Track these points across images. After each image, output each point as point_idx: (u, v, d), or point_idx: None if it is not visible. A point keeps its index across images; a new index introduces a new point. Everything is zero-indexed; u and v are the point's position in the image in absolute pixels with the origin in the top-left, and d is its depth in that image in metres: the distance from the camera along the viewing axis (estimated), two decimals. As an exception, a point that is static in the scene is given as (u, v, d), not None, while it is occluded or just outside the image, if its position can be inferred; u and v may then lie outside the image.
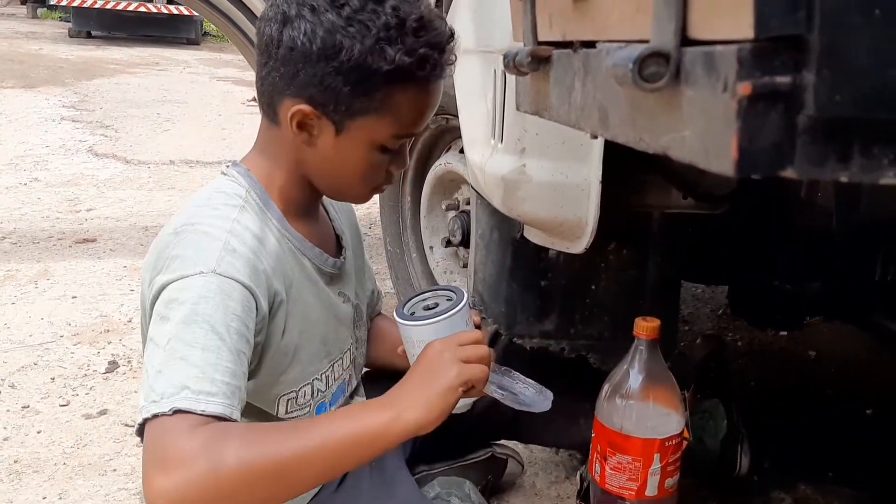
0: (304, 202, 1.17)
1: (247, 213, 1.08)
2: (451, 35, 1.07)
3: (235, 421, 0.93)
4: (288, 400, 1.16)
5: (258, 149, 1.16)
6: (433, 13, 1.04)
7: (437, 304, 1.13)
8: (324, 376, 1.21)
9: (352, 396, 1.33)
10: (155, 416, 0.89)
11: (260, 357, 1.09)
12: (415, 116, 1.08)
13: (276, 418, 1.16)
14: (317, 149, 1.09)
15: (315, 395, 1.20)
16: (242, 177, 1.12)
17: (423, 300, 1.16)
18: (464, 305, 1.10)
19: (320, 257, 1.18)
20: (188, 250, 1.00)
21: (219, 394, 0.92)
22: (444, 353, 1.02)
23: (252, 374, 1.06)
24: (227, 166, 1.15)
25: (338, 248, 1.27)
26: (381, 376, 1.43)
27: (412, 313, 1.13)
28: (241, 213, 1.07)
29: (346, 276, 1.27)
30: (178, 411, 0.89)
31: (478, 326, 1.15)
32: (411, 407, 0.97)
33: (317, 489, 1.26)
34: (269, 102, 1.08)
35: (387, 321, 1.44)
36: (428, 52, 1.01)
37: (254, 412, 1.14)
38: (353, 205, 1.38)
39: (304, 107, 1.03)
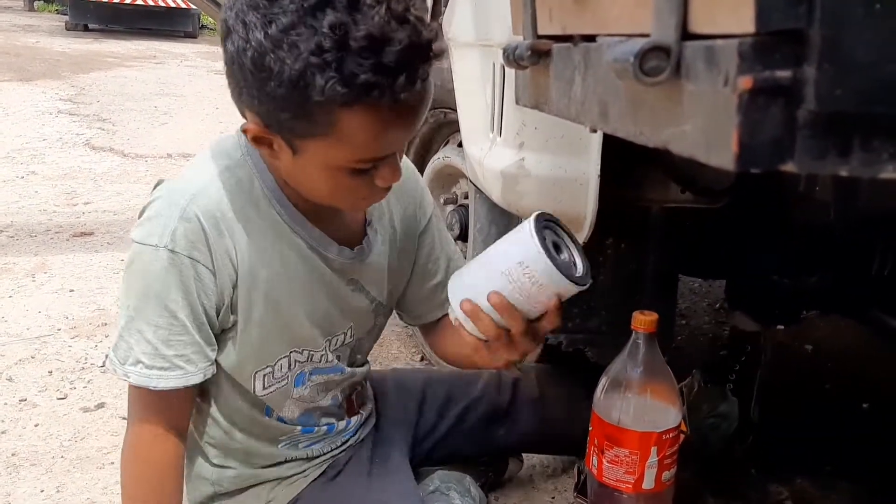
0: None
1: (229, 175, 1.06)
2: (426, 45, 0.89)
3: (195, 385, 1.08)
4: (264, 375, 1.17)
5: None
6: (398, 21, 0.86)
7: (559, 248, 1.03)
8: (306, 351, 1.19)
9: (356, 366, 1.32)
10: (114, 374, 1.06)
11: (233, 325, 1.10)
12: (373, 141, 0.93)
13: (253, 395, 1.17)
14: (283, 164, 1.01)
15: (293, 366, 1.19)
16: (245, 140, 1.06)
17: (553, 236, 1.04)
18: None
19: (320, 240, 1.13)
20: (156, 211, 1.04)
21: (171, 367, 1.05)
22: None
23: (228, 346, 1.12)
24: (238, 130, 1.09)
25: (361, 234, 1.20)
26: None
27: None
28: (223, 173, 1.06)
29: (363, 268, 1.20)
30: (135, 385, 1.06)
31: None
32: None
33: (316, 474, 1.28)
34: (237, 103, 1.00)
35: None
36: (373, 79, 0.85)
37: (235, 390, 1.17)
38: (428, 202, 1.33)
39: (253, 126, 0.96)
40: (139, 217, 1.07)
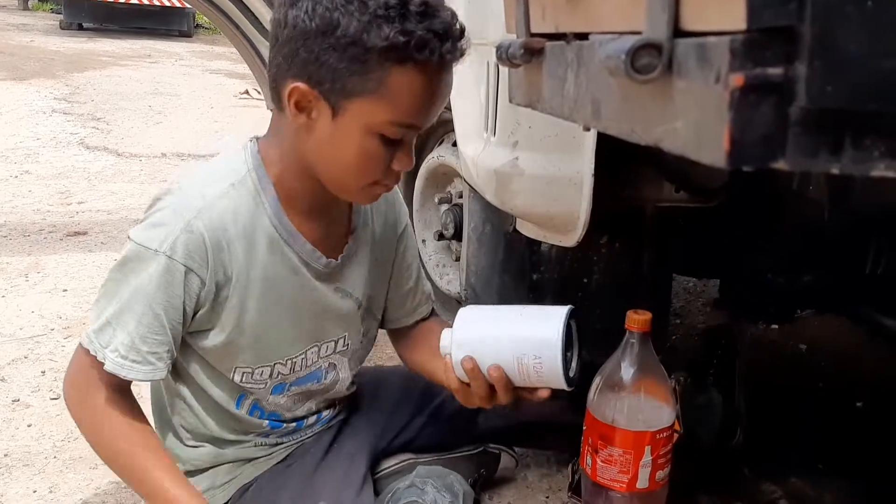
0: (307, 195, 1.17)
1: (234, 192, 1.13)
2: (462, 31, 1.04)
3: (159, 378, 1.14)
4: (244, 372, 1.22)
5: (270, 132, 1.18)
6: (442, 4, 1.02)
7: None
8: (289, 361, 1.25)
9: (343, 384, 1.37)
10: (91, 352, 1.11)
11: (218, 329, 1.17)
12: (414, 104, 1.04)
13: (231, 382, 1.23)
14: (315, 133, 1.08)
15: (275, 376, 1.25)
16: (251, 156, 1.16)
17: None
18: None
19: (310, 254, 1.20)
20: (158, 215, 1.11)
21: (143, 362, 1.11)
22: None
23: (211, 343, 1.18)
24: (250, 139, 1.19)
25: (343, 244, 1.27)
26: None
27: None
28: (229, 189, 1.13)
29: (346, 273, 1.27)
30: (108, 371, 1.11)
31: None
32: None
33: (280, 458, 1.33)
34: (274, 87, 1.09)
35: (429, 327, 1.44)
36: (427, 36, 0.98)
37: (212, 378, 1.23)
38: (404, 212, 1.40)
39: (302, 85, 1.03)
40: (143, 219, 1.13)
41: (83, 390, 1.16)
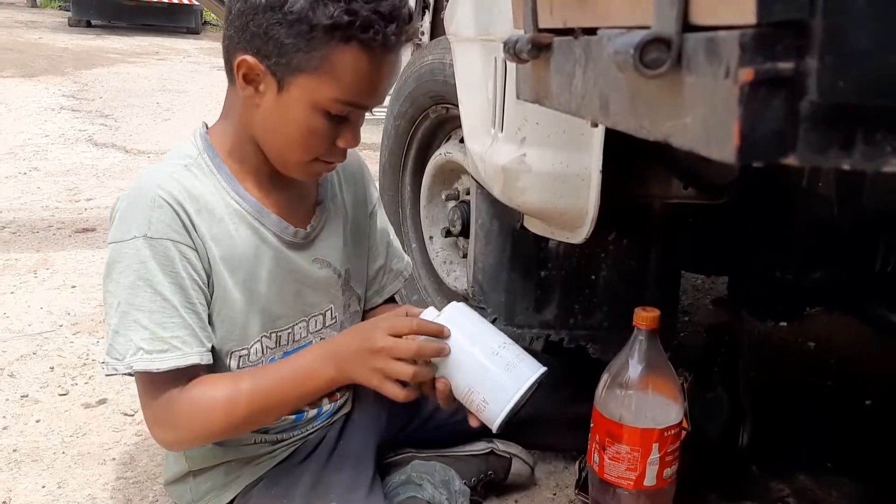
0: (260, 167, 1.20)
1: (189, 172, 1.15)
2: (407, 13, 1.07)
3: (192, 365, 1.11)
4: (240, 356, 1.22)
5: (222, 113, 1.21)
6: None
7: None
8: (274, 335, 1.25)
9: None
10: (116, 372, 1.10)
11: (212, 302, 1.17)
12: (358, 83, 1.07)
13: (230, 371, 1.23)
14: (262, 106, 1.11)
15: (265, 352, 1.25)
16: (200, 139, 1.19)
17: None
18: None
19: (278, 224, 1.21)
20: (123, 211, 1.12)
21: (169, 349, 1.09)
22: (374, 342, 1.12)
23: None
24: (200, 126, 1.22)
25: (310, 216, 1.29)
26: None
27: None
28: (182, 171, 1.15)
29: (320, 243, 1.29)
30: (139, 372, 1.10)
31: None
32: (353, 375, 1.15)
33: (283, 456, 1.32)
34: (227, 60, 1.12)
35: (389, 308, 1.44)
36: (372, 17, 1.02)
37: (212, 366, 1.21)
38: (374, 189, 1.44)
39: (250, 58, 1.06)
40: (111, 224, 1.15)
41: (159, 412, 1.14)
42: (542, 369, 1.15)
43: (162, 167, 1.16)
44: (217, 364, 1.20)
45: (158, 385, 1.12)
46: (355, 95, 1.08)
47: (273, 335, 1.25)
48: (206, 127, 1.23)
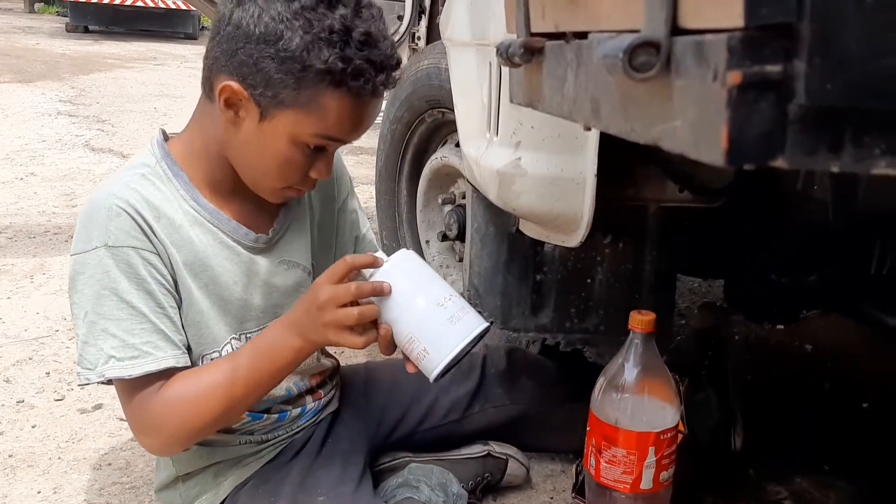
0: (224, 178, 1.20)
1: (146, 181, 1.15)
2: (396, 61, 1.10)
3: (167, 369, 1.11)
4: (211, 358, 1.22)
5: (191, 122, 1.22)
6: (384, 37, 1.08)
7: None
8: (244, 336, 1.25)
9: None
10: (89, 382, 1.10)
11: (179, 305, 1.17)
12: (342, 123, 1.09)
13: None
14: (240, 131, 1.11)
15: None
16: (158, 147, 1.19)
17: None
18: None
19: (236, 231, 1.22)
20: (83, 222, 1.12)
21: (141, 355, 1.09)
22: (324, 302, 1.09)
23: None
24: (158, 134, 1.23)
25: (272, 220, 1.29)
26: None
27: None
28: (140, 179, 1.15)
29: (285, 245, 1.29)
30: (115, 380, 1.11)
31: None
32: (313, 337, 1.12)
33: (270, 456, 1.32)
34: (207, 76, 1.14)
35: None
36: (364, 66, 1.04)
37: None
38: (345, 183, 1.44)
39: (234, 84, 1.07)
40: (74, 239, 1.14)
41: (139, 418, 1.15)
42: (486, 324, 1.14)
43: (118, 177, 1.16)
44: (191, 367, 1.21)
45: (136, 392, 1.12)
46: (336, 132, 1.10)
47: (243, 336, 1.25)
48: (164, 135, 1.23)
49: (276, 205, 1.28)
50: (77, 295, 1.11)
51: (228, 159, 1.17)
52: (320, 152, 1.14)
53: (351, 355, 2.03)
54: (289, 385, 1.33)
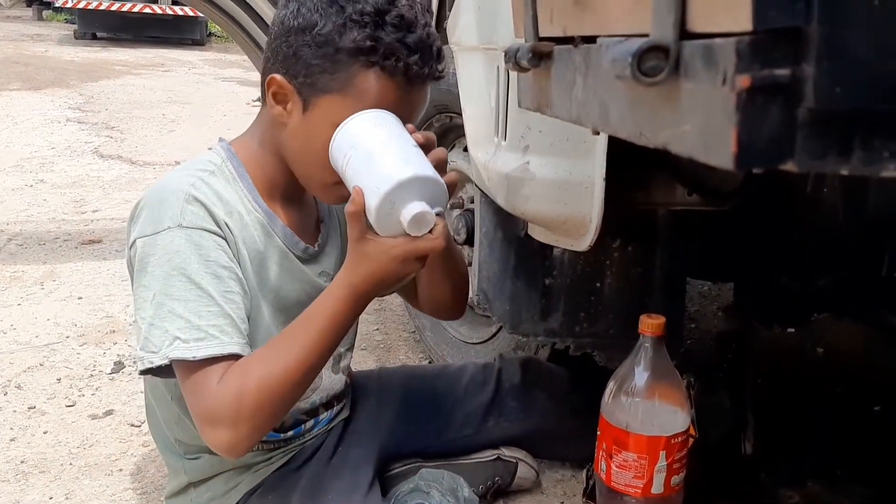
0: (282, 184, 1.21)
1: (215, 178, 1.15)
2: (435, 48, 1.10)
3: (232, 354, 1.06)
4: None
5: (250, 129, 1.23)
6: (421, 21, 1.08)
7: None
8: None
9: (334, 371, 1.38)
10: (152, 365, 1.06)
11: None
12: (381, 107, 1.08)
13: None
14: (289, 125, 1.13)
15: None
16: (224, 150, 1.20)
17: None
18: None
19: (290, 239, 1.23)
20: (154, 205, 1.10)
21: (206, 337, 1.05)
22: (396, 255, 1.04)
23: None
24: (218, 140, 1.24)
25: (316, 233, 1.31)
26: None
27: None
28: (209, 175, 1.15)
29: (325, 257, 1.31)
30: (175, 361, 1.05)
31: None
32: (370, 290, 1.09)
33: (281, 462, 1.32)
34: (262, 81, 1.15)
35: None
36: (395, 46, 1.05)
37: None
38: None
39: (279, 77, 1.10)
40: (130, 223, 1.12)
41: (210, 409, 1.06)
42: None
43: (185, 171, 1.16)
44: None
45: (199, 380, 1.05)
46: None
47: None
48: (222, 140, 1.24)
49: (315, 217, 1.30)
50: (146, 277, 1.07)
51: (284, 159, 1.18)
52: None
53: (360, 361, 2.03)
54: (313, 398, 1.33)
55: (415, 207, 1.01)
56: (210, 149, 1.22)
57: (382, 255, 1.04)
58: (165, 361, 1.05)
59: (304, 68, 1.08)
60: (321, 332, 1.09)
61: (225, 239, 1.11)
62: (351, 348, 1.45)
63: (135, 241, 1.09)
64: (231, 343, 1.07)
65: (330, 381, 1.37)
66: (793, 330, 2.36)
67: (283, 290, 1.22)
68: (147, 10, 11.20)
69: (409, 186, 1.01)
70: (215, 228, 1.10)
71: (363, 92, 1.07)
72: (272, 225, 1.20)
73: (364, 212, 1.02)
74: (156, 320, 1.06)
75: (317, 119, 1.10)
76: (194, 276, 1.06)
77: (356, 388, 1.50)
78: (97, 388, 1.99)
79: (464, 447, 1.51)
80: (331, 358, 1.32)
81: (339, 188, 1.13)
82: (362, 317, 1.31)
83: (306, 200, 1.30)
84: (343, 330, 1.12)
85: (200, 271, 1.06)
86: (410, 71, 1.07)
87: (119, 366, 2.11)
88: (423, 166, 1.03)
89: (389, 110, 1.08)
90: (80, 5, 11.07)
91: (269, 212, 1.20)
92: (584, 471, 1.52)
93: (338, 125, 1.07)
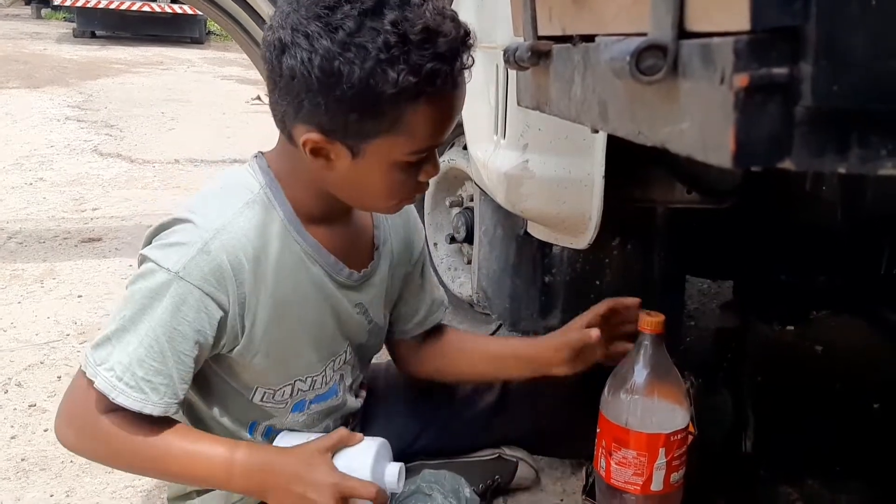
0: (324, 210, 1.15)
1: (252, 210, 1.09)
2: (466, 36, 0.99)
3: (142, 414, 1.06)
4: (265, 392, 1.20)
5: (280, 151, 1.14)
6: (442, 16, 0.96)
7: None
8: (309, 379, 1.23)
9: (353, 394, 1.37)
10: (85, 370, 1.06)
11: (244, 349, 1.12)
12: (432, 131, 1.01)
13: (249, 402, 1.21)
14: (336, 172, 1.05)
15: (295, 394, 1.23)
16: (262, 172, 1.12)
17: None
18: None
19: (334, 266, 1.17)
20: (173, 236, 1.06)
21: (136, 389, 1.04)
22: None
23: (226, 364, 1.16)
24: (255, 156, 1.15)
25: (368, 258, 1.25)
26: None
27: None
28: (245, 208, 1.09)
29: (369, 287, 1.25)
30: (98, 389, 1.05)
31: None
32: (265, 480, 1.11)
33: None
34: (282, 125, 1.06)
35: (459, 336, 1.47)
36: (437, 66, 0.94)
37: (229, 392, 1.20)
38: (420, 230, 1.38)
39: (315, 136, 1.00)
40: (154, 233, 1.09)
41: (79, 416, 1.09)
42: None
43: (227, 203, 1.09)
44: (233, 402, 1.20)
45: (104, 404, 1.06)
46: (430, 141, 1.03)
47: (308, 379, 1.23)
48: (263, 155, 1.16)
49: (369, 242, 1.25)
50: (131, 294, 1.06)
51: (328, 190, 1.11)
52: (422, 160, 1.06)
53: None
54: (327, 423, 1.32)
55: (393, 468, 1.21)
56: (249, 164, 1.15)
57: (310, 470, 1.11)
58: (93, 378, 1.05)
59: (342, 123, 0.98)
60: (187, 474, 1.14)
61: (215, 300, 1.06)
62: (367, 366, 1.43)
63: (144, 257, 1.07)
64: (157, 403, 1.06)
65: (351, 403, 1.36)
66: (792, 327, 2.37)
67: (314, 324, 1.19)
68: (146, 9, 11.20)
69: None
70: (212, 289, 1.05)
71: (415, 123, 0.98)
72: (315, 254, 1.15)
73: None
74: (113, 337, 1.06)
75: (370, 161, 1.02)
76: (158, 327, 1.04)
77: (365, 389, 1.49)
78: (97, 387, 1.99)
79: (468, 445, 1.51)
80: (351, 386, 1.35)
81: (403, 202, 1.13)
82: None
83: (356, 220, 1.23)
84: (208, 485, 1.18)
85: (167, 324, 1.04)
86: (456, 80, 0.99)
87: (119, 364, 2.10)
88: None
89: (441, 123, 1.02)
90: (79, 3, 11.07)
91: (312, 241, 1.14)
92: (584, 468, 1.52)
93: (395, 162, 1.03)
